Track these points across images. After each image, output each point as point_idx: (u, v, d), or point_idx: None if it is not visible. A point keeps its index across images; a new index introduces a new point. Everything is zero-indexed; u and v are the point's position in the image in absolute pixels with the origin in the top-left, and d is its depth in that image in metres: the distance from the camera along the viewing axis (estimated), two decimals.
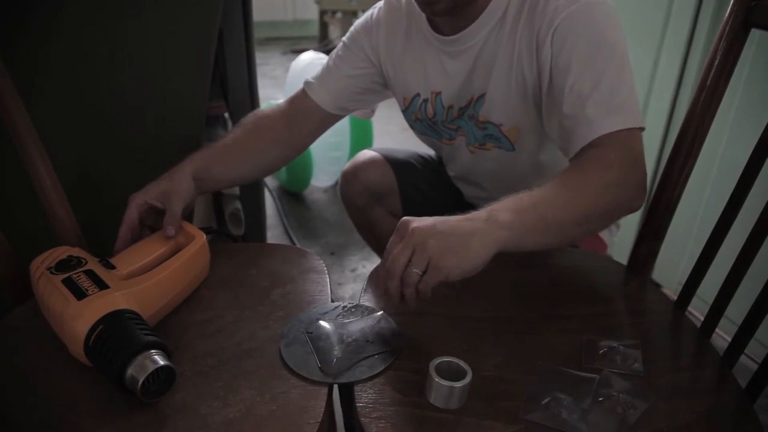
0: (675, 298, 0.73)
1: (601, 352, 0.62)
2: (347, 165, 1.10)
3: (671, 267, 1.50)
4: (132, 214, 0.73)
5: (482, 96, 0.85)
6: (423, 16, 0.86)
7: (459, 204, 1.09)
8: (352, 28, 0.96)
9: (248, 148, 0.88)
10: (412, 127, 1.01)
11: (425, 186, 1.09)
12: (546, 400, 0.54)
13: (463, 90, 0.87)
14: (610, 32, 0.72)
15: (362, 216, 1.10)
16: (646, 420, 0.53)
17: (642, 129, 0.71)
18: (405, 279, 0.57)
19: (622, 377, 0.58)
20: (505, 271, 0.75)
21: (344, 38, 0.96)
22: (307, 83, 0.95)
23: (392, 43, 0.91)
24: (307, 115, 0.93)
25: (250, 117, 0.92)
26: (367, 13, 0.95)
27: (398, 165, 1.07)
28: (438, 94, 0.90)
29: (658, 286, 1.54)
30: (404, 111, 0.98)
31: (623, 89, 0.70)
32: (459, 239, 0.57)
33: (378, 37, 0.92)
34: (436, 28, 0.86)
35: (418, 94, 0.93)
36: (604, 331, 0.66)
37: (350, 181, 1.06)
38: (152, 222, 0.77)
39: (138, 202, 0.74)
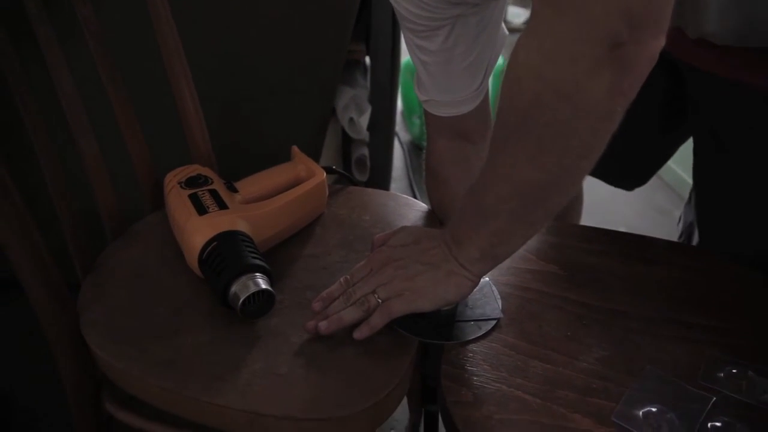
0: None
1: (723, 372, 0.54)
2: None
3: None
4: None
5: None
6: None
7: None
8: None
9: None
10: None
11: None
12: (646, 409, 0.49)
13: None
14: None
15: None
16: None
17: None
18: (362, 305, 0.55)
19: (744, 406, 0.51)
20: (625, 264, 0.69)
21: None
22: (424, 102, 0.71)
23: None
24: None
25: None
26: None
27: None
28: None
29: None
30: None
31: None
32: (430, 279, 0.55)
33: None
34: None
35: None
36: (733, 349, 0.57)
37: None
38: None
39: None
